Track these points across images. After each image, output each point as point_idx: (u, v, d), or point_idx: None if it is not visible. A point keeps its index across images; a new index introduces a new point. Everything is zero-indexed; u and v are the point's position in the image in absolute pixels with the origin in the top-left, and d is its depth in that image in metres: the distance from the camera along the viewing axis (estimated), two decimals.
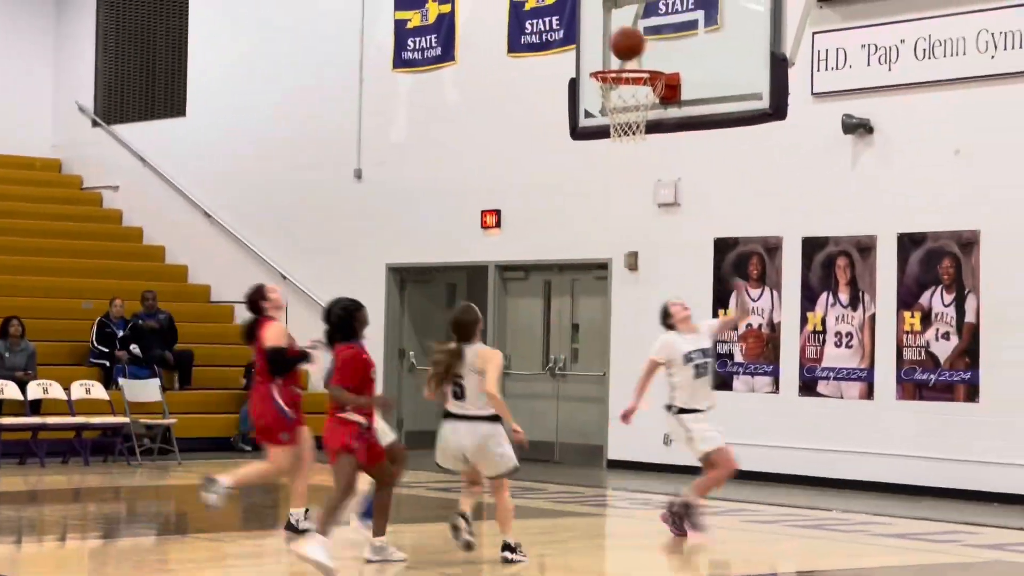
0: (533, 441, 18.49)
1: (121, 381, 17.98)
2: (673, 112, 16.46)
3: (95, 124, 23.56)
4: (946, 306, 15.38)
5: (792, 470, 16.18)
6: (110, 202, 23.17)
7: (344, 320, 10.05)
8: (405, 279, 20.14)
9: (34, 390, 17.23)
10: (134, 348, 18.79)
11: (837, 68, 16.17)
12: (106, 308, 19.18)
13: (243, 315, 21.23)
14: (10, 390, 17.09)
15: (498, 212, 18.92)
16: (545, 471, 17.17)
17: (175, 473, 16.58)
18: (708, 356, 11.80)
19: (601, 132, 16.57)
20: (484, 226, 19.06)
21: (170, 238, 22.32)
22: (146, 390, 17.94)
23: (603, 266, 18.01)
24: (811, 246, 16.36)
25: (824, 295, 16.24)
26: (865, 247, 15.97)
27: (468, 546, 10.31)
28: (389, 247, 19.96)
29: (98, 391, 17.66)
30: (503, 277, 19.09)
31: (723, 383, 16.84)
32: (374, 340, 20.01)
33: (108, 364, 18.75)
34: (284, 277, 20.91)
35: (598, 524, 13.45)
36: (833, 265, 16.19)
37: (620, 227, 17.74)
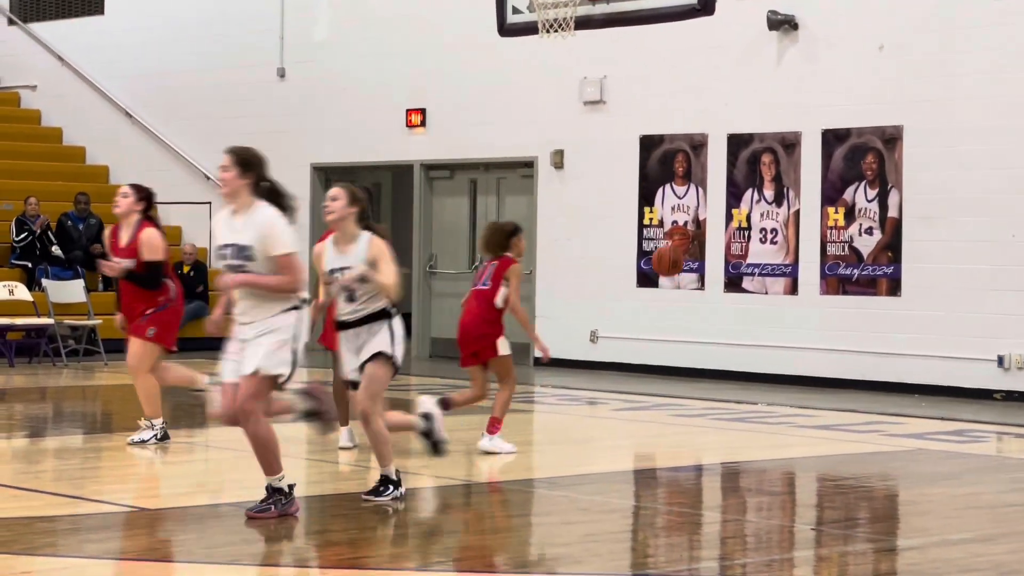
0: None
1: (45, 282, 17.84)
2: (601, 8, 16.47)
3: (11, 23, 23.13)
4: (869, 201, 15.52)
5: (717, 366, 16.35)
6: (28, 102, 22.82)
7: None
8: (330, 178, 20.01)
9: None
10: (56, 249, 18.63)
11: None
12: (23, 208, 18.98)
13: (166, 216, 21.13)
14: None
15: (423, 111, 18.84)
16: None
17: (101, 374, 16.49)
18: None
19: (529, 28, 16.56)
20: (409, 125, 18.97)
21: (90, 138, 22.04)
22: (70, 291, 17.80)
23: (529, 164, 18.00)
24: (736, 143, 16.43)
25: (749, 192, 16.34)
26: (790, 143, 16.06)
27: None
28: (313, 146, 19.84)
29: (21, 292, 17.51)
30: (428, 176, 19.04)
31: (650, 280, 16.96)
32: (299, 240, 19.99)
33: (30, 265, 18.58)
34: (208, 177, 20.74)
35: (526, 420, 13.53)
36: (758, 162, 16.28)
37: (546, 125, 17.72)
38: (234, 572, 6.78)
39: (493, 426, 10.67)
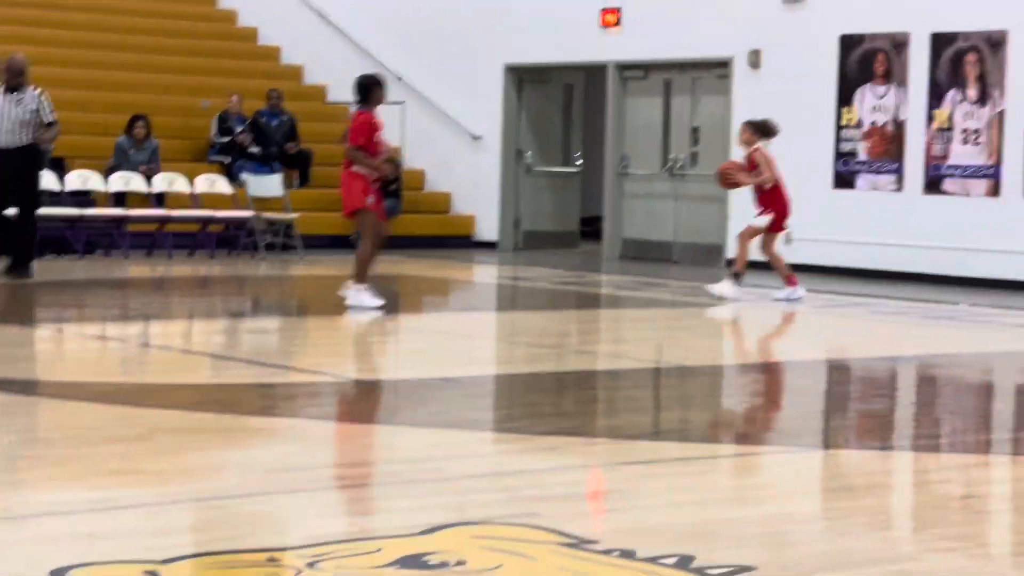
0: (652, 241, 18.63)
1: (244, 176, 18.15)
2: None
3: None
4: None
5: (915, 268, 16.07)
6: (225, 2, 23.14)
7: (364, 87, 11.83)
8: (523, 79, 20.02)
9: (159, 183, 17.46)
10: (255, 149, 18.88)
11: None
12: (225, 105, 19.30)
13: None
14: (136, 183, 17.32)
15: (618, 9, 18.68)
16: (664, 269, 17.22)
17: (298, 267, 16.76)
18: None
19: None
20: (603, 24, 18.85)
21: (285, 38, 22.27)
22: (268, 185, 18.08)
23: (724, 64, 17.78)
24: (939, 42, 16.05)
25: (952, 92, 15.97)
26: (996, 42, 15.64)
27: None
28: (507, 47, 19.80)
29: (222, 185, 17.85)
30: (622, 77, 18.91)
31: (846, 181, 16.72)
32: (491, 140, 20.06)
33: (229, 160, 18.90)
34: (399, 79, 20.86)
35: (718, 313, 13.46)
36: (962, 61, 15.89)
37: (743, 24, 17.46)
38: (451, 435, 6.87)
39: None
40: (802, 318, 13.06)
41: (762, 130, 13.72)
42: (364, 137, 11.72)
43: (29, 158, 13.54)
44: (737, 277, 13.53)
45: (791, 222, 16.29)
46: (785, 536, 5.20)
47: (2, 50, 19.01)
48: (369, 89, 11.91)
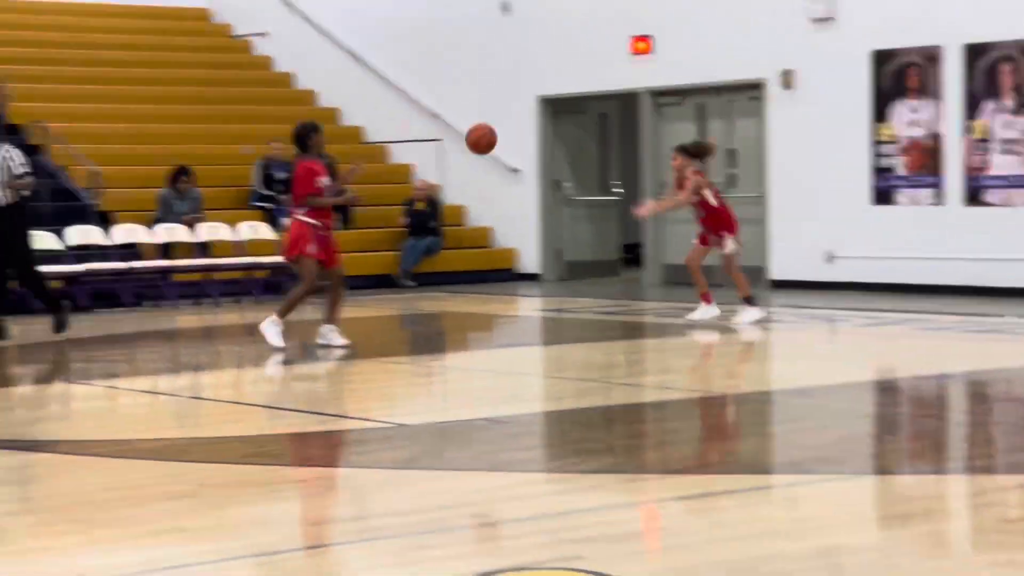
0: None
1: (286, 222, 18.24)
2: None
3: None
4: None
5: (959, 281, 16.01)
6: (260, 49, 23.33)
7: (300, 136, 12.11)
8: (557, 110, 20.08)
9: (203, 232, 17.59)
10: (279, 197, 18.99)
11: None
12: (266, 151, 19.44)
13: (397, 154, 21.46)
14: (180, 233, 17.46)
15: (649, 37, 18.73)
16: None
17: (344, 309, 16.78)
18: None
19: None
20: (635, 52, 18.89)
21: (321, 81, 22.44)
22: None
23: (758, 86, 17.79)
24: (973, 53, 16.01)
25: (988, 102, 15.92)
26: None
27: None
28: (540, 79, 19.89)
29: (265, 231, 17.98)
30: (656, 103, 18.94)
31: (885, 198, 16.69)
32: (529, 172, 20.12)
33: (271, 206, 19.03)
34: (435, 115, 20.97)
35: (765, 337, 13.47)
36: (996, 71, 15.84)
37: (774, 44, 17.48)
38: (496, 477, 6.90)
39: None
40: (846, 337, 13.03)
41: (692, 152, 13.76)
42: (309, 185, 12.06)
43: (9, 218, 13.36)
44: (750, 301, 13.55)
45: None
46: (836, 569, 5.20)
47: (43, 110, 19.27)
48: (306, 137, 12.19)
